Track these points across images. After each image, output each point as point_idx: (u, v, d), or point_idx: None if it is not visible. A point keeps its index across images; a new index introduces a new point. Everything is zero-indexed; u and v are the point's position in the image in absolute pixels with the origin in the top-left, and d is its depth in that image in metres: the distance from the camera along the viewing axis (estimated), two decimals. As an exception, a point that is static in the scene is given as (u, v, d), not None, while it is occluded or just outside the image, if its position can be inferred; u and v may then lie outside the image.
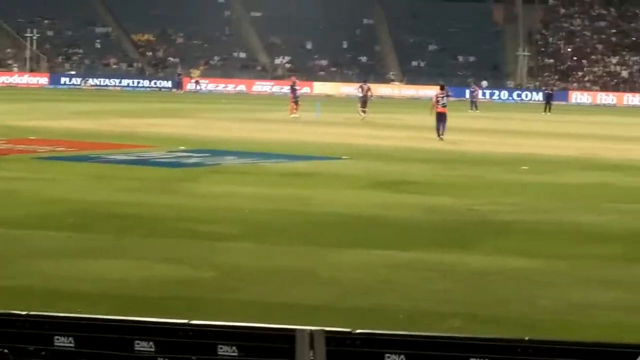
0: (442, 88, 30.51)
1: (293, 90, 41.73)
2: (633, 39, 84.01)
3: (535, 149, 27.31)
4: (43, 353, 3.96)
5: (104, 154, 22.43)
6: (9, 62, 76.13)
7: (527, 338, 3.72)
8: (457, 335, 4.06)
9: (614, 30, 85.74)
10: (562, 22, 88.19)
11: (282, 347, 3.77)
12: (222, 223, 12.86)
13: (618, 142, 32.15)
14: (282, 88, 65.60)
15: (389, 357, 3.71)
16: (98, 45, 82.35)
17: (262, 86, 76.22)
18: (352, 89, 55.70)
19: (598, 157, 25.57)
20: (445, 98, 29.88)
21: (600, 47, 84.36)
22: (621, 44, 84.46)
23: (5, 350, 3.97)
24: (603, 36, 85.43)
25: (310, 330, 3.76)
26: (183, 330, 3.91)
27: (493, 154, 25.67)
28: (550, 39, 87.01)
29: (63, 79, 74.37)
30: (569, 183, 19.19)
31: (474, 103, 53.74)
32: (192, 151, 23.69)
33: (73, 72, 76.55)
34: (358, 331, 3.81)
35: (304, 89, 52.43)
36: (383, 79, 78.44)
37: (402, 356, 3.71)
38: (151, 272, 9.66)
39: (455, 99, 47.91)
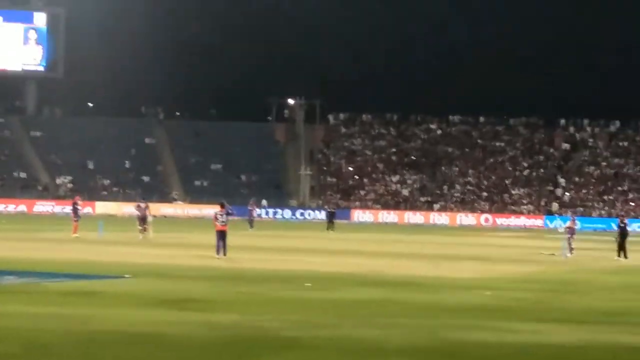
0: (222, 206, 31.10)
1: (75, 209, 41.53)
2: (412, 158, 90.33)
3: (318, 266, 28.32)
4: None
5: None
6: None
7: None
8: None
9: (394, 150, 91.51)
10: (343, 141, 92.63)
11: None
12: (3, 342, 12.56)
13: (399, 258, 34.07)
14: (64, 208, 65.89)
15: None
16: None
17: (44, 206, 77.43)
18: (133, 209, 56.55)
19: (380, 273, 26.92)
20: (224, 216, 30.43)
21: (380, 166, 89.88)
22: (401, 162, 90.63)
23: None
24: (383, 155, 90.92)
25: None
26: None
27: (276, 271, 26.41)
28: (332, 158, 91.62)
29: None
30: (351, 299, 19.98)
31: (251, 221, 55.44)
32: None
33: None
34: None
35: (86, 209, 52.89)
36: (166, 199, 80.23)
37: None
38: None
39: (239, 217, 49.31)
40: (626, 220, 38.74)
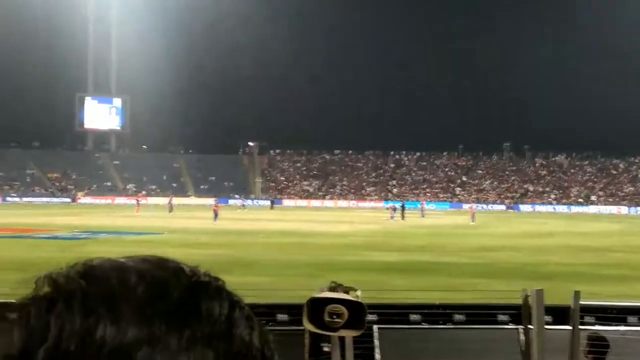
0: (215, 197, 50.31)
1: (137, 201, 79.48)
2: (313, 172, 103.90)
3: (266, 226, 41.05)
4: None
5: (34, 234, 37.82)
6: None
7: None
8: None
9: (304, 168, 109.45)
10: (277, 164, 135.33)
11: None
12: None
13: (305, 222, 46.21)
14: (131, 201, 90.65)
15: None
16: None
17: (120, 200, 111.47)
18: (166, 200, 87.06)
19: (296, 229, 39.59)
20: (217, 203, 53.47)
21: (297, 176, 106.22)
22: (308, 175, 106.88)
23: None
24: (298, 171, 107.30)
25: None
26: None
27: (245, 229, 39.48)
28: (272, 173, 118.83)
29: (8, 198, 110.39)
30: (279, 242, 32.28)
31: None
32: (82, 232, 40.27)
33: (14, 195, 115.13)
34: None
35: (143, 201, 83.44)
36: (185, 195, 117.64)
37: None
38: None
39: (223, 204, 69.78)
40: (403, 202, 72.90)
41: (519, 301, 9.37)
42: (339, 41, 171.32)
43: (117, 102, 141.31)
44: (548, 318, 8.74)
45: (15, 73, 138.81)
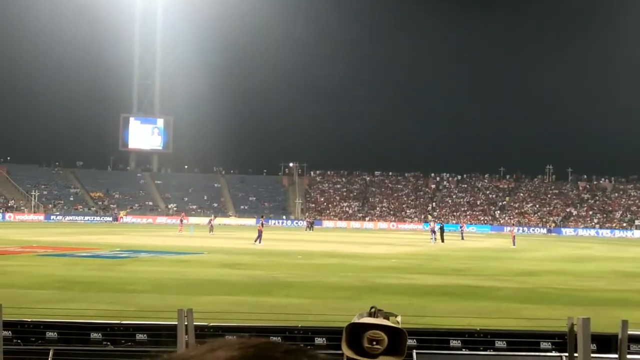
0: (262, 217, 50.71)
1: (180, 220, 77.92)
2: (353, 193, 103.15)
3: (305, 247, 40.89)
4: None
5: (75, 253, 38.30)
6: (22, 208, 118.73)
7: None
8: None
9: (344, 189, 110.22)
10: (318, 185, 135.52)
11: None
12: (139, 284, 23.56)
13: (347, 244, 46.27)
14: (172, 220, 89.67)
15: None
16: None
17: (161, 219, 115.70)
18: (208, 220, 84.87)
19: (337, 251, 38.85)
20: (261, 223, 54.96)
21: (337, 197, 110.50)
22: (348, 196, 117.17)
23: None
24: (338, 192, 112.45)
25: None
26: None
27: (283, 250, 39.23)
28: (312, 194, 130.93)
29: (52, 217, 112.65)
30: (322, 263, 32.05)
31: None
32: (123, 250, 40.71)
33: (57, 213, 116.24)
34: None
35: (184, 220, 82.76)
36: (225, 215, 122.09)
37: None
38: (98, 309, 16.11)
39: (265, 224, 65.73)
40: (442, 224, 69.37)
41: (563, 328, 9.14)
42: (382, 65, 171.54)
43: (160, 122, 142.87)
44: (592, 346, 8.51)
45: (60, 93, 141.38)
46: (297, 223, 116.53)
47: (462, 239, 69.73)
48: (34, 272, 26.63)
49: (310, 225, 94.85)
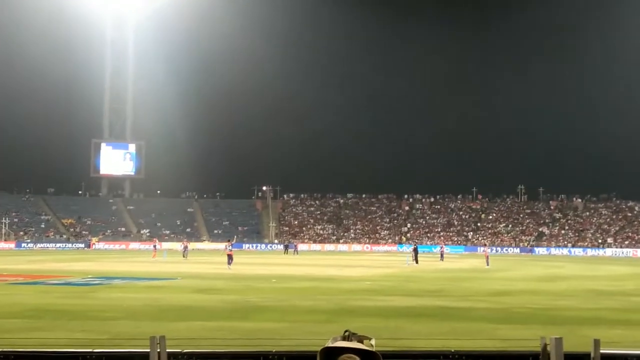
0: (229, 241, 55.54)
1: (154, 246, 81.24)
2: (326, 216, 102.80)
3: (280, 271, 40.32)
4: None
5: (47, 280, 37.63)
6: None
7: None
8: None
9: (318, 212, 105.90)
10: (291, 209, 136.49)
11: None
12: (112, 311, 23.21)
13: (321, 267, 46.52)
14: (145, 246, 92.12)
15: None
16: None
17: (134, 245, 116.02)
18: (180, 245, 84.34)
19: (311, 274, 38.31)
20: (230, 247, 53.20)
21: (311, 220, 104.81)
22: (321, 218, 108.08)
23: None
24: (312, 215, 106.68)
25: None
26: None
27: (257, 274, 38.78)
28: (286, 217, 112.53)
29: (23, 245, 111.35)
30: (297, 287, 31.91)
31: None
32: (95, 277, 40.21)
33: (29, 241, 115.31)
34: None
35: (157, 245, 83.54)
36: (199, 240, 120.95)
37: None
38: (71, 337, 15.96)
39: (236, 249, 70.05)
40: (416, 245, 71.59)
41: (537, 348, 9.15)
42: (354, 88, 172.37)
43: (132, 147, 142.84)
44: (567, 366, 8.51)
45: (30, 119, 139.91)
46: (271, 246, 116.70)
47: (442, 259, 69.71)
48: (4, 301, 26.22)
49: (286, 248, 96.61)
